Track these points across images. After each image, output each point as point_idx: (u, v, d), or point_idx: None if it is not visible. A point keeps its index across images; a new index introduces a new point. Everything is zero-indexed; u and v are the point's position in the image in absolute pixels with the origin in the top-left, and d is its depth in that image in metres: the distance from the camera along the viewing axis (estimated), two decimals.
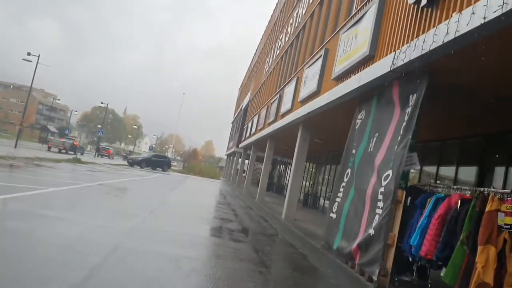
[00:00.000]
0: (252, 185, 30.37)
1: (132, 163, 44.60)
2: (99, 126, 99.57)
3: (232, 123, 66.78)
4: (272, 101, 21.07)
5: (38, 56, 30.78)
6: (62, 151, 40.18)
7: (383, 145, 7.08)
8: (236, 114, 58.25)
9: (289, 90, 16.54)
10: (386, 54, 7.23)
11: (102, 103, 53.05)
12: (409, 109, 6.42)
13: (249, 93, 39.78)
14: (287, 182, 35.88)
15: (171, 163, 53.79)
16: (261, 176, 22.00)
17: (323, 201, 21.24)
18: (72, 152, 35.74)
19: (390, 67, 6.68)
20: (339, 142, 19.56)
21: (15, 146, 30.42)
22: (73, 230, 6.66)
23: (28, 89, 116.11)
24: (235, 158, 48.91)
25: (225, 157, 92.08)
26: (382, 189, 6.47)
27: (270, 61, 26.78)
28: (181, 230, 8.52)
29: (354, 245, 6.92)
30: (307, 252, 8.61)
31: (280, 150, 31.42)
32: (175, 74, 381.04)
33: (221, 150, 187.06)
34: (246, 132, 34.19)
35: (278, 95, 19.54)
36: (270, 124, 20.39)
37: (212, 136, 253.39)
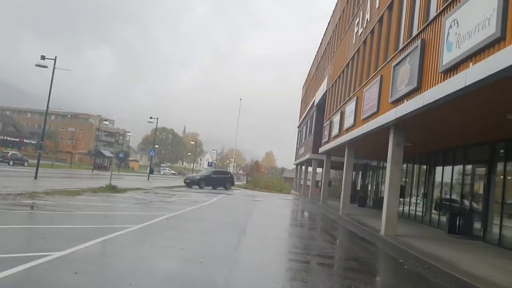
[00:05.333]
0: (354, 205, 21.39)
1: (190, 183, 37.41)
2: (156, 146, 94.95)
3: (299, 127, 58.08)
4: (396, 63, 12.19)
5: (55, 59, 24.05)
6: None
7: None
8: (304, 115, 49.50)
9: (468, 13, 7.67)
10: None
11: (151, 117, 46.45)
12: None
13: (324, 82, 30.94)
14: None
15: (234, 179, 45.94)
16: (387, 194, 13.01)
17: (497, 229, 11.93)
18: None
19: None
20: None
21: (35, 177, 23.66)
22: None
23: (86, 116, 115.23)
24: (310, 167, 40.13)
25: (292, 166, 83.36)
26: None
27: (368, 16, 17.81)
28: None
29: None
30: None
31: (373, 152, 22.16)
32: (229, 89, 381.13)
33: (282, 160, 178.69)
34: (329, 132, 25.32)
35: (416, 44, 10.63)
36: (399, 102, 11.55)
37: (271, 147, 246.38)
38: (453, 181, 16.46)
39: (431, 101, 9.03)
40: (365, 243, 11.26)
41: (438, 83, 8.98)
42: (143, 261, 6.44)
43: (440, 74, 8.96)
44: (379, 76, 14.20)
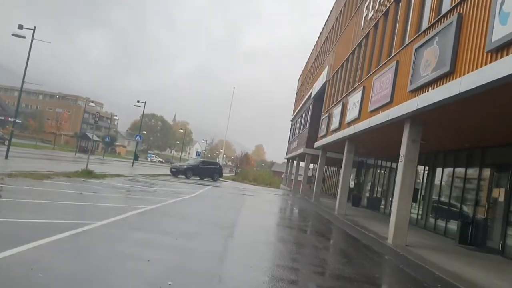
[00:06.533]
0: (347, 204, 19.72)
1: (176, 172, 35.47)
2: (144, 132, 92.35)
3: (292, 120, 56.36)
4: (418, 45, 10.39)
5: (34, 29, 21.93)
6: None
7: None
8: (299, 108, 47.73)
9: None
10: None
11: (138, 101, 44.22)
12: None
13: (324, 72, 29.14)
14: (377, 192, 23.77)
15: (223, 171, 44.08)
16: (397, 198, 11.25)
17: None
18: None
19: None
20: None
21: (6, 157, 21.59)
22: None
23: (74, 98, 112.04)
24: (302, 162, 38.34)
25: (282, 160, 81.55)
26: None
27: None
28: None
29: None
30: None
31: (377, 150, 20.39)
32: (223, 81, 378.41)
33: (272, 154, 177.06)
34: (327, 125, 23.57)
35: (450, 20, 8.82)
36: (422, 90, 9.78)
37: (261, 141, 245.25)
38: (466, 185, 14.81)
39: (472, 87, 7.27)
40: (373, 255, 9.51)
41: (483, 65, 7.21)
42: (85, 284, 4.56)
43: (485, 54, 7.19)
44: (395, 61, 12.41)
